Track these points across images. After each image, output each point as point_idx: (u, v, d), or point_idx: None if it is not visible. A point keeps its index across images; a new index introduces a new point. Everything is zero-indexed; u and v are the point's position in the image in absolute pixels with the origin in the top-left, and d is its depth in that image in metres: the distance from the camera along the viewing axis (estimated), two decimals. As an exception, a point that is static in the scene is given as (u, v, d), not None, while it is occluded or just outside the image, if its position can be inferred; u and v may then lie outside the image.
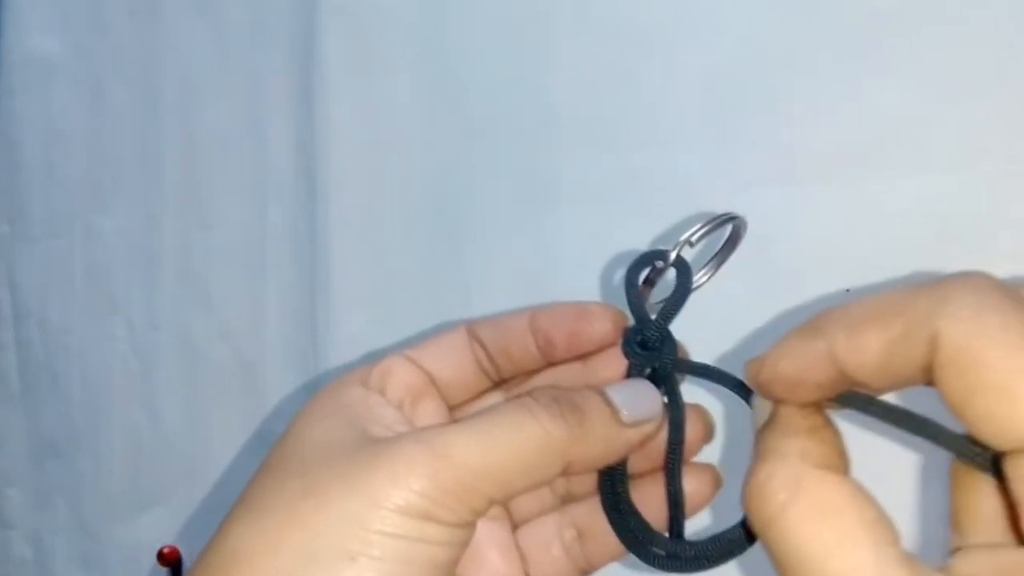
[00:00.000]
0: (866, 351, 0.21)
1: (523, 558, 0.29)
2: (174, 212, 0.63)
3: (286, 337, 0.58)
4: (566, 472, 0.26)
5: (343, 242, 0.55)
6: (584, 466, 0.27)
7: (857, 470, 0.23)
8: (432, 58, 0.52)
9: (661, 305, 0.30)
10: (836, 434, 0.24)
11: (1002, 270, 0.37)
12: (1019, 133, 0.37)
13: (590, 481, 0.30)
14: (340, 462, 0.25)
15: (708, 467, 0.30)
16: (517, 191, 0.49)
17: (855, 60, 0.40)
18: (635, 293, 0.30)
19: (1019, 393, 0.18)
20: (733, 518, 0.26)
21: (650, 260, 0.30)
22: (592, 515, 0.29)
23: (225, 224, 0.61)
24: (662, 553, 0.27)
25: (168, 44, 0.64)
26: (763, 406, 0.25)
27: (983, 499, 0.21)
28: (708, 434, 0.30)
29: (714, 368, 0.29)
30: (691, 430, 0.29)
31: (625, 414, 0.27)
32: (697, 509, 0.30)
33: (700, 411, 0.30)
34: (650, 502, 0.29)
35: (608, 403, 0.27)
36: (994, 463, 0.20)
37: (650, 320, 0.29)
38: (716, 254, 0.31)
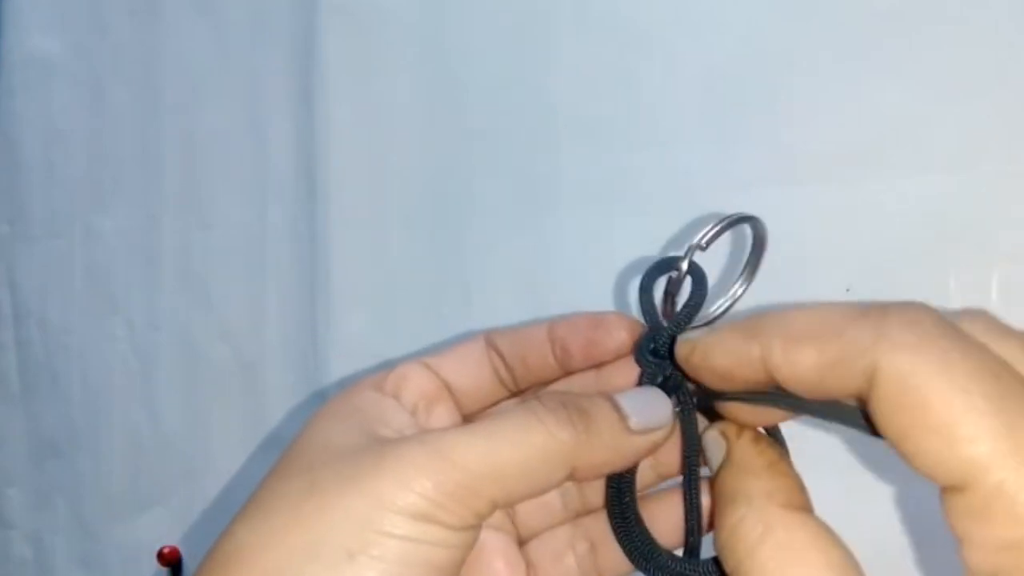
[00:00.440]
0: (799, 368, 0.21)
1: (534, 569, 0.29)
2: (174, 212, 0.63)
3: (286, 337, 0.58)
4: (572, 478, 0.26)
5: (343, 242, 0.55)
6: (590, 472, 0.27)
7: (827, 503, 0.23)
8: (432, 58, 0.52)
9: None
10: (791, 465, 0.24)
11: (1002, 270, 0.37)
12: (1019, 133, 0.37)
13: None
14: (345, 462, 0.25)
15: None
16: (517, 191, 0.49)
17: (855, 60, 0.40)
18: (648, 300, 0.30)
19: (956, 434, 0.18)
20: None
21: (664, 268, 0.29)
22: (605, 528, 0.29)
23: (225, 224, 0.61)
24: (672, 567, 0.27)
25: (168, 44, 0.64)
26: (716, 442, 0.26)
27: None
28: None
29: None
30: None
31: (634, 421, 0.27)
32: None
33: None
34: (668, 517, 0.28)
35: (616, 409, 0.27)
36: None
37: (663, 328, 0.29)
38: (747, 264, 0.31)
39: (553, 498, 0.30)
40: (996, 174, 0.37)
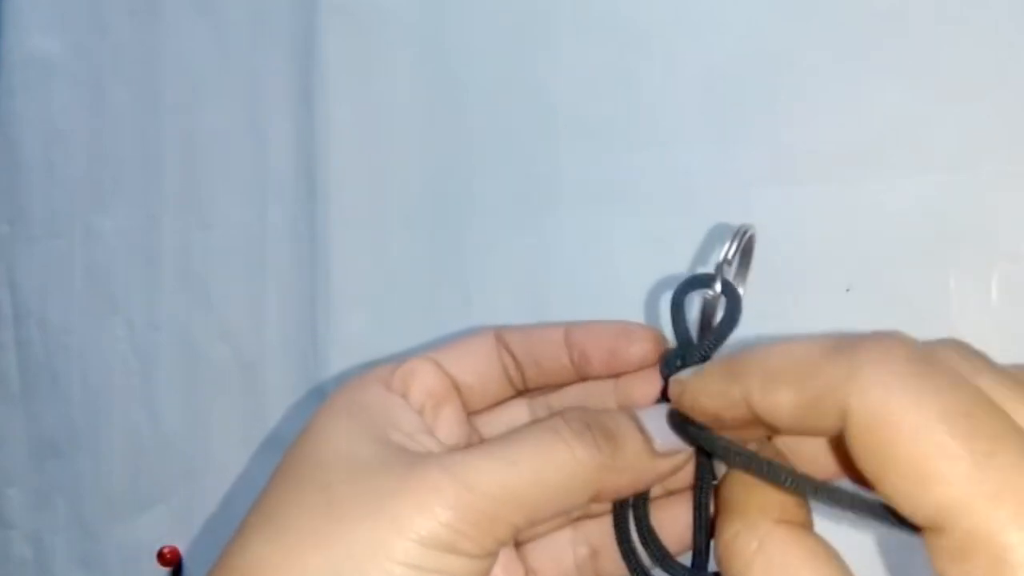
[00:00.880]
0: (778, 409, 0.21)
1: (533, 574, 0.29)
2: (174, 212, 0.63)
3: (286, 337, 0.58)
4: (594, 500, 0.26)
5: (343, 242, 0.55)
6: (611, 495, 0.26)
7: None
8: (432, 58, 0.52)
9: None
10: None
11: (1002, 270, 0.37)
12: (1019, 133, 0.37)
13: None
14: (363, 480, 0.24)
15: None
16: (517, 191, 0.49)
17: (855, 60, 0.40)
18: (681, 315, 0.29)
19: (930, 475, 0.18)
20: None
21: (696, 284, 0.29)
22: (607, 533, 0.29)
23: (225, 224, 0.61)
24: None
25: (168, 44, 0.64)
26: None
27: None
28: None
29: None
30: None
31: (659, 443, 0.26)
32: None
33: None
34: (672, 526, 0.28)
35: (641, 430, 0.26)
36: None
37: (693, 344, 0.28)
38: (736, 272, 0.30)
39: None
40: (996, 174, 0.37)
